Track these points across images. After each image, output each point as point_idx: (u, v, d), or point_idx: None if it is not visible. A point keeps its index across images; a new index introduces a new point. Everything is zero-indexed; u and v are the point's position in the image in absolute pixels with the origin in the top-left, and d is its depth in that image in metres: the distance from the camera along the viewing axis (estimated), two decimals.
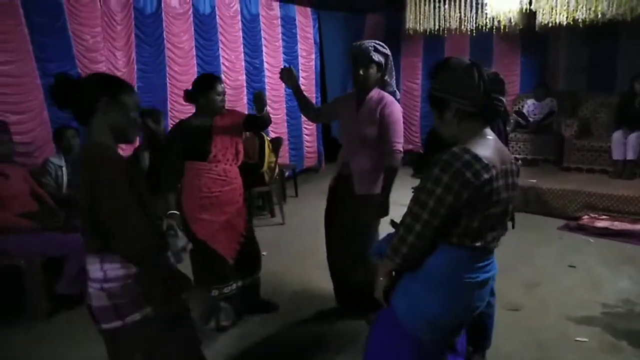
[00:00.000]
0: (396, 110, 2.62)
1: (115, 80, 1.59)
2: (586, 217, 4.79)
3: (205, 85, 2.65)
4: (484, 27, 5.83)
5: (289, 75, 2.71)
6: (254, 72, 6.37)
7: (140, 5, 4.89)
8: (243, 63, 6.19)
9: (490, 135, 1.51)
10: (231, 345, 2.72)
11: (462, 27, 6.03)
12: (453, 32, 6.24)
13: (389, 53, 2.66)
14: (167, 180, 2.56)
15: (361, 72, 2.60)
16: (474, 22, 5.87)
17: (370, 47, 2.57)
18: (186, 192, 2.74)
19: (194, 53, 5.52)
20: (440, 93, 1.52)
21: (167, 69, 5.23)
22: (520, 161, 6.28)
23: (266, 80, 6.54)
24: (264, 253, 3.14)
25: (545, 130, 6.27)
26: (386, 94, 2.67)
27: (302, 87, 2.90)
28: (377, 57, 2.59)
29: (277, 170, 5.08)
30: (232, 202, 2.75)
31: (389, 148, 2.60)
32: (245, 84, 6.23)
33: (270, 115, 2.88)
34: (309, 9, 7.23)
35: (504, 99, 1.49)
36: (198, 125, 2.69)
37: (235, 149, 2.76)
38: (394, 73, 2.74)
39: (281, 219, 5.15)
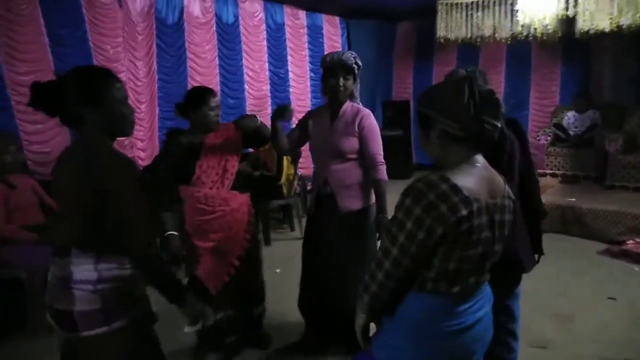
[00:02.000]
0: (374, 122, 2.54)
1: (95, 74, 1.46)
2: (631, 242, 4.35)
3: (197, 100, 2.43)
4: (519, 35, 5.52)
5: (286, 114, 2.49)
6: (279, 82, 6.27)
7: (162, 15, 4.89)
8: (267, 73, 6.11)
9: (479, 162, 1.29)
10: None
11: (497, 35, 5.75)
12: (487, 41, 5.96)
13: (361, 66, 2.57)
14: (159, 198, 2.43)
15: (341, 82, 2.46)
16: (509, 29, 5.59)
17: (351, 58, 2.47)
18: (185, 213, 2.57)
19: (217, 63, 5.48)
20: (426, 110, 1.30)
21: (189, 79, 5.20)
22: (559, 177, 5.88)
23: (291, 90, 6.43)
24: (277, 270, 2.95)
25: (587, 144, 5.83)
26: (361, 106, 2.57)
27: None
28: (356, 68, 2.50)
29: (296, 182, 4.93)
30: (219, 230, 2.50)
31: (372, 161, 2.48)
32: (269, 94, 6.14)
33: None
34: (337, 18, 7.10)
35: (497, 124, 1.24)
36: (186, 143, 2.49)
37: (223, 170, 2.50)
38: (359, 86, 2.63)
39: (300, 233, 4.97)
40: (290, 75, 6.40)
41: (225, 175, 2.51)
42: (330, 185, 2.53)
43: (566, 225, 4.78)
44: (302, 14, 6.52)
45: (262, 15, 5.94)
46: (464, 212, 1.18)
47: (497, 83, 7.27)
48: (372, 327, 1.46)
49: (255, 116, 2.57)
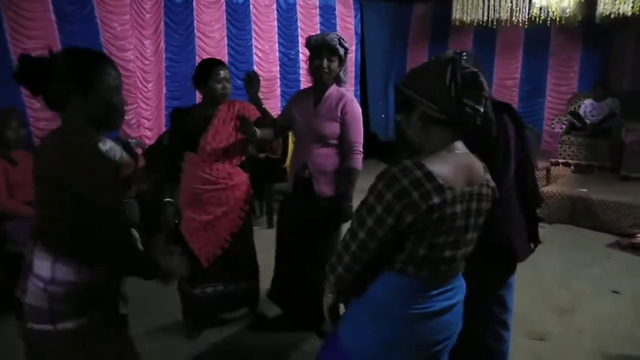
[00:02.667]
0: (357, 108, 2.49)
1: (90, 57, 1.36)
2: None
3: (204, 73, 2.49)
4: (537, 18, 5.33)
5: (252, 82, 2.50)
6: (289, 63, 6.19)
7: None
8: (277, 54, 6.03)
9: (459, 149, 1.26)
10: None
11: (514, 18, 5.57)
12: (503, 24, 5.78)
13: (348, 48, 2.51)
14: (156, 161, 2.47)
15: (325, 63, 2.40)
16: (527, 13, 5.41)
17: (335, 39, 2.41)
18: (182, 182, 2.65)
19: (226, 42, 5.43)
20: (407, 90, 1.26)
21: (197, 58, 5.16)
22: (572, 167, 5.73)
23: (301, 72, 6.35)
24: None
25: (603, 133, 5.66)
26: (345, 91, 2.52)
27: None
28: (341, 50, 2.43)
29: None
30: (217, 204, 2.56)
31: (350, 149, 2.45)
32: (279, 75, 6.07)
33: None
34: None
35: (479, 108, 1.19)
36: (197, 113, 2.56)
37: (231, 145, 2.55)
38: (347, 70, 2.59)
39: None
40: (301, 56, 6.31)
41: (232, 150, 2.56)
42: (309, 169, 2.51)
43: (576, 216, 4.67)
44: None
45: None
46: (436, 200, 1.15)
47: (514, 68, 7.09)
48: (342, 308, 1.45)
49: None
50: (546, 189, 4.77)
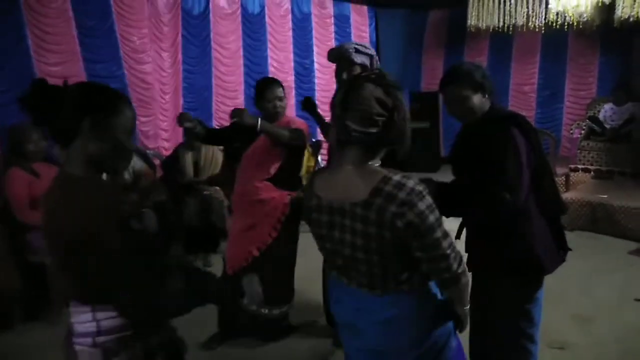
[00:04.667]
0: None
1: (106, 94, 1.25)
2: None
3: (257, 93, 2.63)
4: (554, 24, 5.28)
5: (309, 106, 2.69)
6: (304, 72, 6.25)
7: (188, 6, 4.95)
8: (292, 63, 6.10)
9: (349, 164, 1.29)
10: None
11: (530, 23, 5.52)
12: (520, 30, 5.74)
13: (373, 53, 2.50)
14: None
15: (344, 76, 2.41)
16: (543, 18, 5.36)
17: (350, 49, 2.41)
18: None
19: (241, 53, 5.50)
20: None
21: (213, 69, 5.25)
22: (592, 172, 5.63)
23: (316, 81, 6.40)
24: None
25: (624, 138, 5.56)
26: None
27: None
28: (359, 58, 2.42)
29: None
30: (248, 215, 2.63)
31: None
32: (294, 85, 6.13)
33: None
34: (365, 7, 7.00)
35: (364, 130, 1.24)
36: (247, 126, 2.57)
37: (262, 160, 2.60)
38: None
39: None
40: (316, 66, 6.36)
41: (264, 166, 2.59)
42: None
43: (596, 223, 4.58)
44: (329, 3, 6.46)
45: (288, 5, 5.92)
46: (308, 204, 1.38)
47: (531, 73, 7.03)
48: None
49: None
50: (565, 196, 4.70)
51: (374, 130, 1.24)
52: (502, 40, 6.83)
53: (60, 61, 4.05)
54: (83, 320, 1.23)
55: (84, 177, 1.22)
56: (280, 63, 5.92)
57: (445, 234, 1.25)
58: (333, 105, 1.30)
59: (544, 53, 6.89)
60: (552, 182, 1.92)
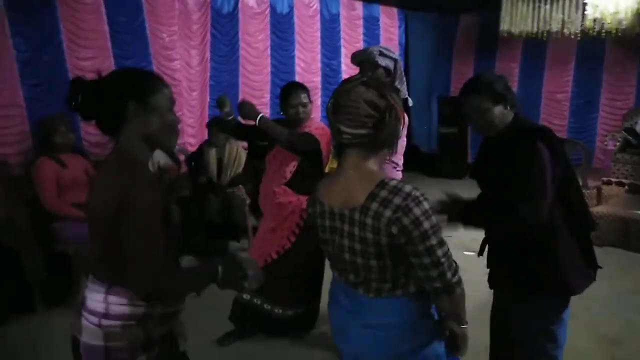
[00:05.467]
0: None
1: (141, 77, 1.32)
2: None
3: (282, 98, 2.65)
4: (590, 31, 5.10)
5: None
6: (331, 73, 6.21)
7: (217, 5, 4.97)
8: (319, 64, 6.07)
9: (349, 168, 1.30)
10: None
11: (565, 30, 5.35)
12: (554, 36, 5.57)
13: (397, 57, 2.48)
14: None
15: None
16: (580, 24, 5.18)
17: (375, 52, 2.42)
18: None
19: (269, 53, 5.50)
20: None
21: (240, 68, 5.27)
22: (626, 186, 5.41)
23: None
24: None
25: None
26: None
27: None
28: (383, 61, 2.42)
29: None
30: (270, 218, 2.70)
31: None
32: (320, 86, 6.10)
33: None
34: (395, 9, 6.91)
35: (340, 126, 1.28)
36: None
37: (281, 164, 2.65)
38: (404, 79, 2.55)
39: None
40: (343, 67, 6.32)
41: (280, 170, 2.63)
42: None
43: (628, 239, 4.39)
44: (358, 4, 6.41)
45: (317, 5, 5.89)
46: (310, 209, 1.42)
47: (565, 81, 6.82)
48: None
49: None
50: (596, 210, 4.53)
51: (363, 131, 1.26)
52: (536, 47, 6.65)
53: (92, 56, 4.12)
54: (96, 298, 1.29)
55: (138, 156, 1.30)
56: (307, 63, 5.90)
57: (442, 242, 1.24)
58: (327, 110, 1.33)
59: (579, 60, 6.68)
60: (580, 197, 1.82)
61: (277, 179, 2.64)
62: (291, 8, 5.63)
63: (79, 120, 4.04)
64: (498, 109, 1.74)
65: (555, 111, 6.93)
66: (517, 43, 6.88)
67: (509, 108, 1.76)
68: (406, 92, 2.60)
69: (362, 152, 1.29)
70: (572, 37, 5.39)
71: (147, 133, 1.29)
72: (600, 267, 1.85)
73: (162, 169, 3.91)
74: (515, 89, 7.15)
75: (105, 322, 1.27)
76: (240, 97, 5.33)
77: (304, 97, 2.58)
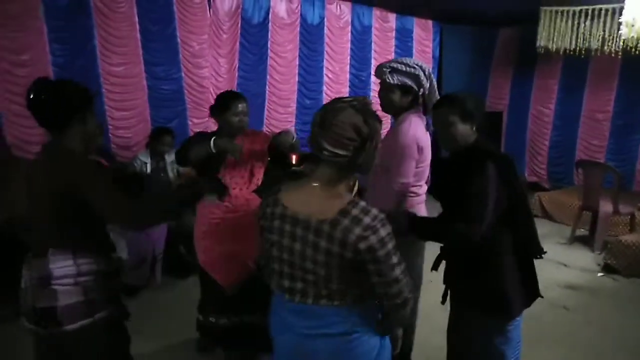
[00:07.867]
0: (401, 139, 2.25)
1: (88, 92, 1.68)
2: None
3: (222, 105, 2.48)
4: (633, 49, 4.85)
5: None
6: (360, 85, 6.21)
7: (248, 15, 5.09)
8: (348, 75, 6.08)
9: (321, 181, 1.36)
10: None
11: (606, 47, 5.12)
12: (594, 54, 5.34)
13: (420, 73, 2.25)
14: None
15: (382, 97, 2.33)
16: (621, 42, 4.94)
17: (385, 69, 2.27)
18: (197, 213, 2.63)
19: (297, 63, 5.57)
20: None
21: (268, 77, 5.36)
22: None
23: (372, 94, 6.33)
24: None
25: None
26: (405, 121, 2.28)
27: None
28: (394, 79, 2.24)
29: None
30: (239, 231, 2.50)
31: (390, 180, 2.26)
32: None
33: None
34: (430, 22, 6.83)
35: (322, 142, 1.33)
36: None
37: (250, 173, 2.56)
38: (436, 91, 2.34)
39: None
40: (372, 79, 6.29)
41: (252, 178, 2.57)
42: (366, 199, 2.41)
43: None
44: (391, 16, 6.38)
45: (348, 17, 5.92)
46: (268, 210, 1.42)
47: (606, 101, 6.50)
48: None
49: (291, 132, 2.54)
50: (625, 238, 4.27)
51: (343, 152, 1.31)
52: (577, 64, 6.38)
53: (123, 62, 4.32)
54: (65, 264, 1.55)
55: (79, 151, 1.63)
56: (335, 74, 5.92)
57: (400, 261, 1.33)
58: (313, 121, 1.37)
59: (622, 79, 6.36)
60: (529, 222, 1.86)
61: (251, 186, 2.57)
62: (322, 19, 5.68)
63: (108, 123, 4.27)
64: (463, 127, 1.81)
65: (594, 131, 6.62)
66: (557, 59, 6.63)
67: (474, 129, 1.83)
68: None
69: (336, 171, 1.35)
70: (613, 55, 5.14)
71: (88, 134, 1.66)
72: (542, 297, 1.89)
73: (180, 174, 4.05)
74: (553, 106, 6.98)
75: (80, 279, 1.56)
76: (267, 106, 5.43)
77: (245, 107, 2.49)
